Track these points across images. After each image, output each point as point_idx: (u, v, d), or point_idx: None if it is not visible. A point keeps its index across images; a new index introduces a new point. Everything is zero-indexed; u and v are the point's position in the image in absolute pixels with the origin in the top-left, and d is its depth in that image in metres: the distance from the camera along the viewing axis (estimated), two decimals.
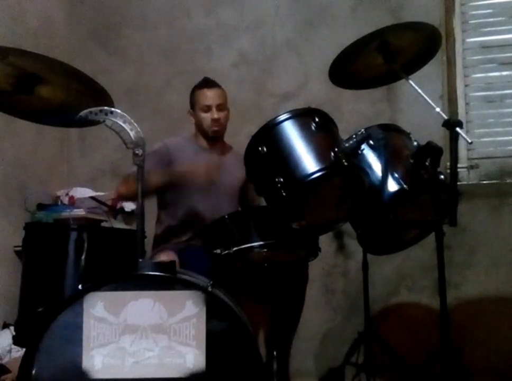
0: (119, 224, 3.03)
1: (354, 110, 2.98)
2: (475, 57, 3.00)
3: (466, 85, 2.98)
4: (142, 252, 1.68)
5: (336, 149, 1.70)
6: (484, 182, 2.90)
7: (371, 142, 1.88)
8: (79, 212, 2.87)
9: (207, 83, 2.51)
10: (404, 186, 1.80)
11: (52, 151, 3.27)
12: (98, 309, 1.53)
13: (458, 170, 1.93)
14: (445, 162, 2.26)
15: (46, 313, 1.56)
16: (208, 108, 2.45)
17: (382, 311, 2.85)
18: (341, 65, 2.03)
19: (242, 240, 1.84)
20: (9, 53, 1.62)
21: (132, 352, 1.52)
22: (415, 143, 1.92)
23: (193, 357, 1.52)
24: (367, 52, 2.00)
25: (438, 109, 1.92)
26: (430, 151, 1.81)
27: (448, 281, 1.91)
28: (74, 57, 3.13)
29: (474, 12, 3.02)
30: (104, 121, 1.65)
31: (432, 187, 1.84)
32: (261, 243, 1.84)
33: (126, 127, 1.64)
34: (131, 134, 1.65)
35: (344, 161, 1.70)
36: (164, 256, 2.27)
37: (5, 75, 1.67)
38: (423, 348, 2.50)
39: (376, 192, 1.80)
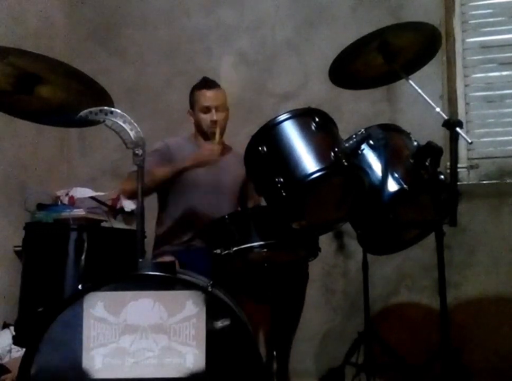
0: (119, 224, 3.03)
1: (354, 110, 2.98)
2: (475, 57, 3.00)
3: (466, 85, 2.98)
4: (142, 252, 1.68)
5: (336, 149, 1.70)
6: (484, 182, 2.90)
7: (371, 142, 1.88)
8: (79, 212, 2.87)
9: (207, 83, 2.50)
10: (404, 186, 1.80)
11: (52, 151, 3.27)
12: (98, 309, 1.53)
13: (458, 170, 1.93)
14: (445, 162, 2.26)
15: (46, 313, 1.56)
16: (207, 109, 2.45)
17: (382, 311, 2.85)
18: (341, 65, 2.03)
19: (242, 240, 1.84)
20: (9, 53, 1.62)
21: (132, 352, 1.52)
22: (415, 143, 1.92)
23: (193, 357, 1.52)
24: (367, 52, 2.00)
25: (438, 109, 1.92)
26: (430, 151, 1.81)
27: (448, 281, 1.91)
28: (74, 57, 3.13)
29: (474, 12, 3.02)
30: (104, 121, 1.65)
31: (432, 187, 1.84)
32: (261, 243, 1.83)
33: (126, 127, 1.64)
34: (131, 134, 1.65)
35: (344, 161, 1.70)
36: (164, 258, 2.28)
37: (5, 75, 1.67)
38: (423, 348, 2.50)
39: (376, 192, 1.80)
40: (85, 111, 1.62)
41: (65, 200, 3.02)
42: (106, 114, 1.64)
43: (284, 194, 1.68)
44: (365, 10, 3.06)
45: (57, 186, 3.17)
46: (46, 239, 1.84)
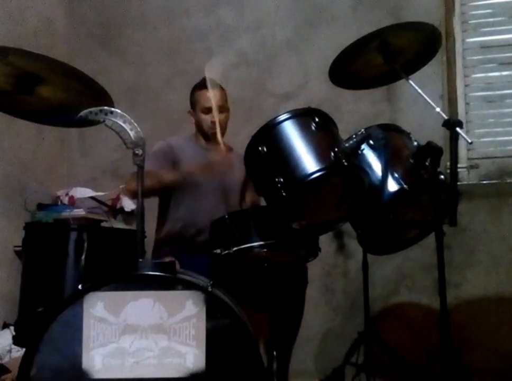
0: (119, 224, 3.03)
1: (354, 110, 2.98)
2: (475, 57, 3.00)
3: (466, 85, 2.98)
4: (142, 252, 1.68)
5: (336, 149, 1.70)
6: (484, 182, 2.90)
7: (371, 142, 1.87)
8: (79, 212, 2.88)
9: (207, 84, 2.50)
10: (404, 186, 1.80)
11: (52, 151, 3.27)
12: (98, 309, 1.53)
13: (458, 170, 1.93)
14: (445, 162, 2.26)
15: (46, 313, 1.56)
16: (208, 110, 2.44)
17: (382, 311, 2.85)
18: (341, 65, 2.03)
19: (242, 240, 1.84)
20: (9, 53, 1.62)
21: (132, 352, 1.52)
22: (415, 143, 1.92)
23: (193, 357, 1.52)
24: (367, 52, 2.00)
25: (438, 109, 1.92)
26: (430, 151, 1.81)
27: (448, 281, 1.91)
28: (74, 57, 3.13)
29: (474, 12, 3.02)
30: (104, 121, 1.64)
31: (432, 187, 1.84)
32: (261, 243, 1.83)
33: (126, 127, 1.64)
34: (131, 134, 1.65)
35: (344, 161, 1.70)
36: (164, 258, 2.27)
37: (5, 75, 1.67)
38: (423, 348, 2.50)
39: (376, 192, 1.80)
40: (85, 111, 1.62)
41: (65, 200, 3.03)
42: (106, 114, 1.64)
43: (284, 194, 1.68)
44: (365, 10, 3.06)
45: (57, 186, 3.18)
46: (46, 239, 1.83)
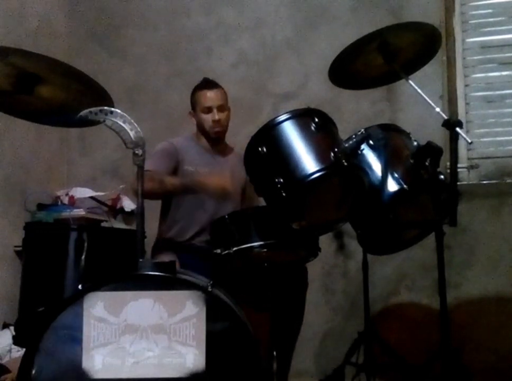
0: (119, 224, 3.03)
1: (354, 110, 2.98)
2: (475, 57, 2.99)
3: (466, 85, 2.98)
4: (142, 252, 1.68)
5: (336, 149, 1.70)
6: (484, 182, 2.90)
7: (371, 142, 1.88)
8: (79, 212, 2.87)
9: (207, 84, 2.50)
10: (404, 186, 1.80)
11: (52, 151, 3.27)
12: (98, 309, 1.53)
13: (458, 170, 1.93)
14: (445, 162, 2.26)
15: (46, 313, 1.56)
16: (209, 110, 2.45)
17: (382, 311, 2.85)
18: (341, 65, 2.03)
19: (242, 240, 1.84)
20: (9, 53, 1.62)
21: (132, 352, 1.52)
22: (415, 143, 1.93)
23: (193, 357, 1.52)
24: (367, 52, 2.00)
25: (438, 109, 1.92)
26: (430, 151, 1.82)
27: (448, 281, 1.91)
28: (74, 57, 3.13)
29: (474, 12, 3.02)
30: (104, 121, 1.64)
31: (432, 187, 1.84)
32: (261, 243, 1.83)
33: (126, 127, 1.64)
34: (131, 134, 1.65)
35: (343, 161, 1.70)
36: (164, 257, 2.28)
37: (5, 75, 1.67)
38: (423, 348, 2.49)
39: (376, 192, 1.80)
40: (85, 111, 1.62)
41: (65, 200, 3.02)
42: (106, 114, 1.64)
43: (284, 194, 1.68)
44: (365, 10, 3.06)
45: (57, 186, 3.18)
46: (46, 239, 1.84)
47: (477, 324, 2.73)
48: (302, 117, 1.80)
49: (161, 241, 2.46)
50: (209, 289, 1.56)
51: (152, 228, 2.45)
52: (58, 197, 3.06)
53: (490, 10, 3.00)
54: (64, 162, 3.37)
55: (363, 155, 1.88)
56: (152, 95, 3.29)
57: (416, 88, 1.97)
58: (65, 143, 3.38)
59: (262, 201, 1.90)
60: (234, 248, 1.82)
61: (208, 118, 2.45)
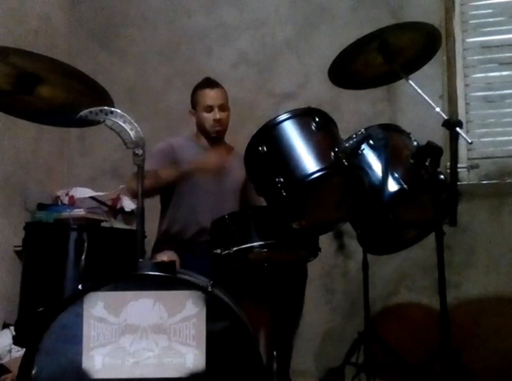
0: (119, 224, 3.03)
1: (354, 110, 2.98)
2: (475, 57, 3.00)
3: (466, 85, 2.98)
4: (142, 252, 1.67)
5: (336, 149, 1.70)
6: (484, 182, 2.90)
7: (371, 142, 1.88)
8: (79, 212, 2.88)
9: (209, 83, 2.51)
10: (404, 186, 1.80)
11: (52, 151, 3.27)
12: (98, 309, 1.53)
13: (458, 170, 1.93)
14: (445, 162, 2.26)
15: (46, 313, 1.56)
16: (210, 109, 2.45)
17: (382, 311, 2.85)
18: (341, 65, 2.03)
19: (242, 240, 1.84)
20: (9, 53, 1.62)
21: (132, 352, 1.52)
22: (415, 143, 1.92)
23: (193, 357, 1.52)
24: (367, 52, 2.00)
25: (438, 109, 1.92)
26: (430, 151, 1.81)
27: (448, 281, 1.90)
28: (74, 57, 3.13)
29: (474, 12, 3.02)
30: (104, 121, 1.64)
31: (432, 187, 1.84)
32: (261, 243, 1.83)
33: (126, 127, 1.64)
34: (131, 134, 1.65)
35: (344, 161, 1.70)
36: (164, 256, 2.28)
37: (5, 75, 1.67)
38: (423, 348, 2.49)
39: (376, 192, 1.80)
40: (85, 111, 1.62)
41: (65, 200, 3.03)
42: (106, 114, 1.64)
43: (284, 194, 1.68)
44: (365, 10, 3.06)
45: (57, 186, 3.18)
46: (46, 239, 1.83)
47: (477, 324, 2.73)
48: (302, 116, 1.79)
49: (161, 241, 2.46)
50: (209, 289, 1.56)
51: (152, 228, 2.45)
52: (58, 197, 3.07)
53: (490, 10, 3.00)
54: (64, 162, 3.37)
55: (363, 155, 1.88)
56: (152, 95, 3.29)
57: (416, 88, 1.97)
58: (65, 143, 3.38)
59: (262, 201, 1.90)
60: (234, 248, 1.82)
61: (209, 117, 2.45)
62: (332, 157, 1.69)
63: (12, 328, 2.47)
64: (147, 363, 1.52)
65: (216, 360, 1.52)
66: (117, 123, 1.64)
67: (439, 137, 2.33)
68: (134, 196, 2.61)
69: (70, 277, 1.76)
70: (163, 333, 1.53)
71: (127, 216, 3.09)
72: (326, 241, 2.68)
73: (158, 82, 3.31)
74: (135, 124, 1.65)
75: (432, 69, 2.67)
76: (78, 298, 1.53)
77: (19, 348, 2.29)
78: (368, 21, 2.91)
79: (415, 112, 2.85)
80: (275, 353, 1.95)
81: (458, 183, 1.84)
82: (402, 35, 2.00)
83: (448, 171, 1.85)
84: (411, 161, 1.84)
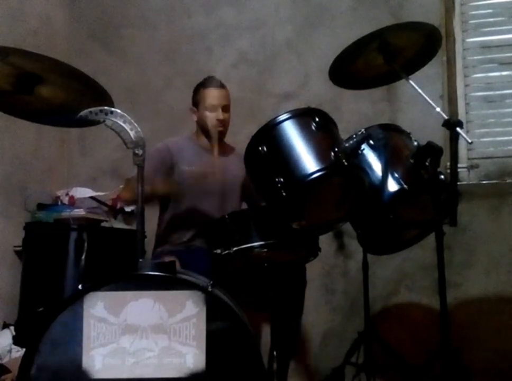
0: (119, 224, 3.03)
1: (354, 110, 2.98)
2: (475, 57, 2.99)
3: (466, 85, 2.98)
4: (142, 252, 1.68)
5: (336, 149, 1.70)
6: (484, 182, 2.90)
7: (371, 142, 1.88)
8: (79, 212, 2.87)
9: (215, 82, 2.49)
10: (404, 186, 1.80)
11: (52, 151, 3.27)
12: (98, 309, 1.53)
13: (458, 170, 1.93)
14: (445, 162, 2.26)
15: (46, 313, 1.56)
16: (213, 108, 2.44)
17: (382, 311, 2.85)
18: (341, 65, 2.03)
19: (242, 240, 1.84)
20: (9, 53, 1.62)
21: (132, 352, 1.52)
22: (415, 143, 1.93)
23: (193, 358, 1.52)
24: (367, 52, 2.00)
25: (438, 109, 1.92)
26: (430, 151, 1.81)
27: (448, 281, 1.91)
28: (74, 57, 3.13)
29: (474, 12, 3.02)
30: (104, 121, 1.64)
31: (432, 187, 1.84)
32: (261, 243, 1.83)
33: (126, 127, 1.64)
34: (132, 134, 1.65)
35: (344, 161, 1.70)
36: (164, 257, 2.28)
37: (5, 75, 1.67)
38: (423, 348, 2.50)
39: (376, 192, 1.80)
40: (85, 111, 1.62)
41: (65, 200, 3.02)
42: (106, 114, 1.64)
43: (284, 194, 1.68)
44: (365, 10, 3.06)
45: (57, 186, 3.18)
46: (46, 239, 1.84)
47: (477, 324, 2.73)
48: (302, 116, 1.79)
49: (160, 241, 2.46)
50: (209, 289, 1.56)
51: (152, 228, 2.46)
52: (58, 197, 3.07)
53: (490, 10, 3.00)
54: (64, 162, 3.37)
55: (363, 155, 1.88)
56: (152, 95, 3.29)
57: (416, 88, 1.97)
58: (65, 143, 3.38)
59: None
60: (234, 248, 1.82)
61: (212, 116, 2.45)
62: (332, 157, 1.68)
63: (12, 328, 2.48)
64: (147, 363, 1.52)
65: (216, 360, 1.52)
66: (117, 123, 1.64)
67: (439, 137, 2.33)
68: (127, 203, 2.62)
69: (70, 277, 1.76)
70: (163, 333, 1.53)
71: (127, 216, 3.09)
72: (326, 241, 2.68)
73: (158, 82, 3.30)
74: (135, 124, 1.65)
75: (432, 69, 2.68)
76: (78, 298, 1.53)
77: (19, 348, 2.29)
78: (368, 21, 2.91)
79: (415, 112, 2.85)
80: (275, 353, 1.95)
81: (458, 183, 1.84)
82: (402, 35, 2.00)
83: (448, 171, 1.85)
84: (411, 161, 1.84)
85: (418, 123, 2.64)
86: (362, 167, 1.79)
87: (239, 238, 1.84)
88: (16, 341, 1.81)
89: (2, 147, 2.85)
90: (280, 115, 1.78)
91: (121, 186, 2.63)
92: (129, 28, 3.39)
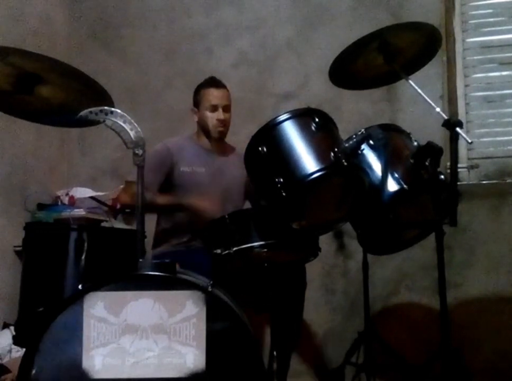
0: (119, 224, 3.03)
1: (354, 110, 2.98)
2: (475, 57, 3.00)
3: (466, 86, 2.98)
4: (142, 252, 1.67)
5: (336, 149, 1.70)
6: (484, 182, 2.90)
7: (371, 142, 1.88)
8: (79, 212, 2.87)
9: (215, 82, 2.50)
10: (404, 186, 1.80)
11: (52, 151, 3.27)
12: (98, 309, 1.52)
13: (458, 170, 1.93)
14: (445, 162, 2.26)
15: (46, 313, 1.56)
16: (214, 108, 2.45)
17: (382, 311, 2.85)
18: (341, 65, 2.03)
19: (242, 240, 1.84)
20: (9, 53, 1.62)
21: (132, 352, 1.52)
22: (415, 143, 1.93)
23: (193, 358, 1.52)
24: (367, 52, 2.00)
25: (438, 109, 1.92)
26: (430, 151, 1.82)
27: (448, 281, 1.91)
28: (74, 57, 3.13)
29: (474, 12, 3.02)
30: (104, 121, 1.64)
31: (432, 187, 1.84)
32: (261, 243, 1.83)
33: (126, 127, 1.64)
34: (132, 134, 1.65)
35: (344, 161, 1.70)
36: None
37: (5, 75, 1.67)
38: (423, 348, 2.50)
39: (376, 192, 1.80)
40: (85, 111, 1.62)
41: (65, 200, 3.02)
42: (106, 114, 1.63)
43: (284, 194, 1.68)
44: (365, 10, 3.06)
45: (57, 186, 3.18)
46: (46, 239, 1.83)
47: (477, 324, 2.73)
48: (302, 116, 1.79)
49: (159, 240, 2.46)
50: (209, 289, 1.56)
51: (152, 228, 2.46)
52: (58, 197, 3.07)
53: (490, 10, 3.00)
54: (64, 162, 3.37)
55: (363, 155, 1.88)
56: (152, 95, 3.29)
57: (416, 88, 1.97)
58: (65, 143, 3.38)
59: None
60: (234, 248, 1.82)
61: (213, 116, 2.45)
62: (332, 158, 1.68)
63: (12, 328, 2.48)
64: (147, 363, 1.52)
65: (216, 360, 1.52)
66: (117, 123, 1.64)
67: (439, 137, 2.33)
68: (125, 208, 2.62)
69: (70, 277, 1.75)
70: (163, 333, 1.53)
71: (127, 216, 3.09)
72: (326, 241, 2.68)
73: (158, 82, 3.31)
74: (135, 124, 1.65)
75: (432, 69, 2.68)
76: (78, 298, 1.53)
77: (19, 348, 2.29)
78: (368, 21, 2.92)
79: (415, 112, 2.85)
80: (275, 353, 1.95)
81: (458, 183, 1.84)
82: (402, 35, 2.00)
83: (448, 171, 1.85)
84: (411, 161, 1.85)
85: (418, 123, 2.64)
86: (361, 167, 1.79)
87: (239, 238, 1.84)
88: (16, 341, 1.81)
89: (2, 147, 2.85)
90: (280, 115, 1.78)
91: (121, 186, 2.63)
92: (129, 28, 3.39)
